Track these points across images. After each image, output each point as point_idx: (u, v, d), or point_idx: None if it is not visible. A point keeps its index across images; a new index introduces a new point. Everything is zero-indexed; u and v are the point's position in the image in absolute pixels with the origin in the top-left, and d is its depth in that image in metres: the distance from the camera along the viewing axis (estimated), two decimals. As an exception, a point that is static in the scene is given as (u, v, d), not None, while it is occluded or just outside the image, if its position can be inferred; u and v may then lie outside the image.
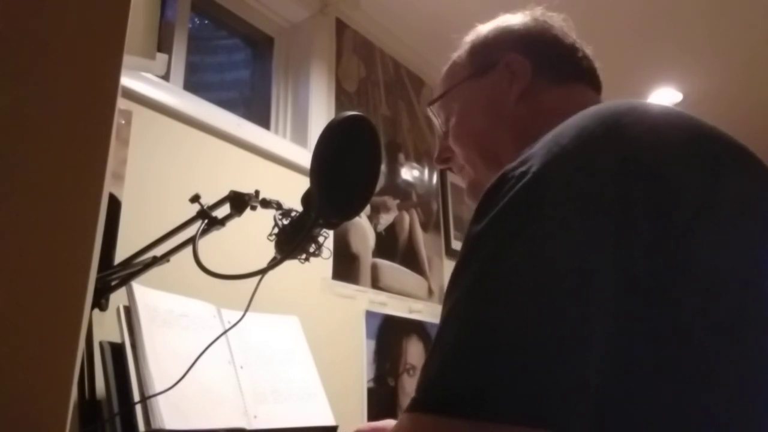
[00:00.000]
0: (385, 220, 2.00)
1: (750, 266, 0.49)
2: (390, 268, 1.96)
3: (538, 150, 0.50)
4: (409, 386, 1.87)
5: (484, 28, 0.82)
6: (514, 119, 0.74)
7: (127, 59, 0.71)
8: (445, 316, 0.46)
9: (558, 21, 0.80)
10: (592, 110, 0.54)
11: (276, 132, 1.83)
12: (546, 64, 0.75)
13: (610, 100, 0.58)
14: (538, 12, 0.81)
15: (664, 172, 0.47)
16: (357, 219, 1.80)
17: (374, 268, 1.89)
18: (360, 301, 1.79)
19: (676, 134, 0.52)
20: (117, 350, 0.92)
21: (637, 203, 0.45)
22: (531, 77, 0.74)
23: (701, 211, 0.47)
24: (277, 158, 1.63)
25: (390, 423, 0.93)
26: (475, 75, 0.79)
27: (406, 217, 2.11)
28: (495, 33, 0.81)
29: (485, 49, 0.80)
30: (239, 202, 0.84)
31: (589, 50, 0.79)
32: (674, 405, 0.44)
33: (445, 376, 0.43)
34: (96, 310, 0.95)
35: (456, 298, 0.46)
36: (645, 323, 0.44)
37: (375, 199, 1.95)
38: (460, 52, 0.83)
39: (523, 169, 0.48)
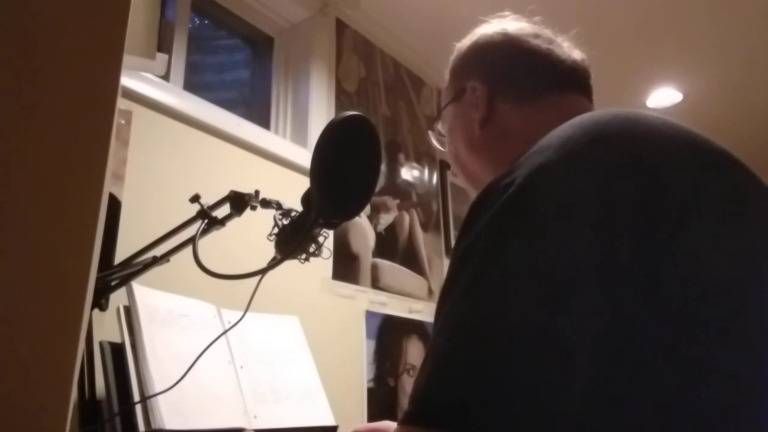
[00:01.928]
0: (385, 220, 2.00)
1: (741, 265, 0.49)
2: (390, 268, 1.96)
3: (523, 161, 0.50)
4: (409, 386, 1.87)
5: (461, 47, 0.83)
6: (482, 145, 0.76)
7: (127, 59, 0.71)
8: (437, 329, 0.46)
9: (527, 28, 0.78)
10: (576, 120, 0.54)
11: (276, 132, 1.83)
12: (506, 85, 0.75)
13: (595, 111, 0.58)
14: (509, 20, 0.80)
15: (650, 176, 0.47)
16: (357, 219, 1.80)
17: (374, 268, 1.89)
18: (360, 301, 1.79)
19: (662, 138, 0.52)
20: (117, 350, 0.92)
21: (623, 208, 0.45)
22: (490, 102, 0.75)
23: (690, 213, 0.47)
24: (277, 158, 1.63)
25: (387, 424, 0.92)
26: (454, 100, 0.81)
27: (406, 217, 2.11)
28: (465, 54, 0.81)
29: (457, 72, 0.82)
30: (239, 202, 0.84)
31: (567, 45, 0.77)
32: (669, 404, 0.44)
33: (432, 388, 0.43)
34: (96, 310, 0.95)
35: (446, 312, 0.46)
36: (637, 324, 0.44)
37: (375, 199, 1.95)
38: (447, 73, 0.84)
39: (507, 180, 0.48)
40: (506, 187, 0.48)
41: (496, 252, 0.45)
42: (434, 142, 0.90)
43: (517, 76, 0.75)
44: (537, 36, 0.76)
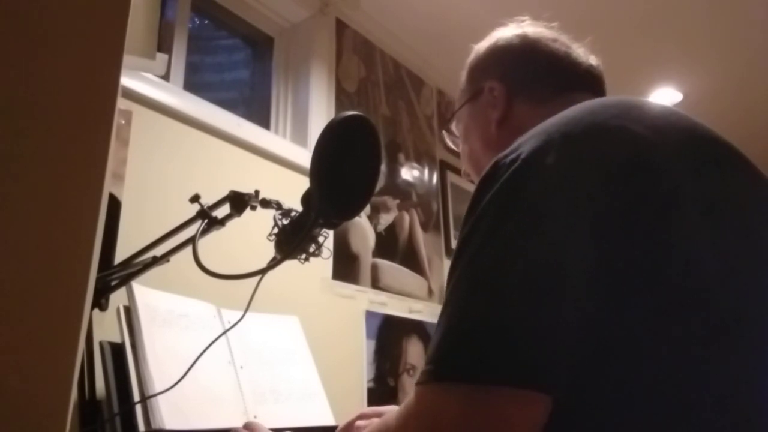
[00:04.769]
0: (385, 220, 2.00)
1: (739, 264, 0.49)
2: (390, 268, 1.96)
3: (528, 138, 0.52)
4: (409, 386, 1.87)
5: (478, 48, 0.84)
6: (498, 144, 0.76)
7: (127, 59, 0.71)
8: (445, 300, 0.50)
9: (546, 33, 0.80)
10: (584, 103, 0.56)
11: (276, 132, 1.83)
12: (524, 87, 0.76)
13: (605, 97, 0.60)
14: (527, 24, 0.82)
15: (650, 173, 0.48)
16: (357, 219, 1.80)
17: (374, 268, 1.89)
18: (360, 301, 1.79)
19: (670, 133, 0.53)
20: (117, 350, 0.92)
21: (621, 192, 0.47)
22: (509, 102, 0.76)
23: (693, 210, 0.48)
24: (277, 158, 1.63)
25: (395, 408, 0.92)
26: (470, 100, 0.82)
27: (406, 217, 2.10)
28: (483, 56, 0.83)
29: (475, 73, 0.83)
30: (239, 202, 0.84)
31: (582, 51, 0.78)
32: (666, 401, 0.44)
33: (442, 350, 0.46)
34: (96, 310, 0.95)
35: (453, 284, 0.49)
36: (629, 320, 0.45)
37: (375, 199, 1.95)
38: (463, 74, 0.86)
39: (513, 156, 0.51)
40: (512, 162, 0.50)
41: (498, 226, 0.48)
42: (448, 142, 0.91)
43: (535, 78, 0.77)
44: (555, 40, 0.79)
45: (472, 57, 0.85)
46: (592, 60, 0.78)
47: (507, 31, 0.82)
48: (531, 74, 0.77)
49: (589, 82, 0.77)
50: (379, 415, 0.91)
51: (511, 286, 0.45)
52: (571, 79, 0.76)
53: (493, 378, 0.43)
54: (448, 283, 0.50)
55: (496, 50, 0.81)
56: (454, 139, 0.90)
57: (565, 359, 0.43)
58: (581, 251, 0.45)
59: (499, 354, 0.43)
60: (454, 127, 0.89)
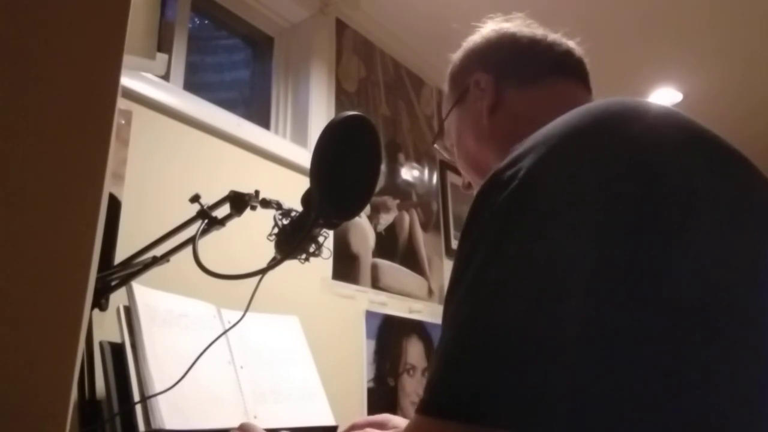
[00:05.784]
0: (385, 220, 2.00)
1: (742, 267, 0.49)
2: (390, 268, 1.96)
3: (527, 150, 0.50)
4: (409, 386, 1.87)
5: (455, 56, 0.85)
6: (493, 132, 0.76)
7: (127, 59, 0.71)
8: (445, 325, 0.48)
9: (517, 22, 0.81)
10: (583, 109, 0.54)
11: (276, 132, 1.83)
12: (509, 71, 0.77)
13: (602, 99, 0.58)
14: (499, 21, 0.83)
15: (652, 176, 0.47)
16: (357, 219, 1.80)
17: (374, 268, 1.89)
18: (360, 301, 1.79)
19: (670, 133, 0.52)
20: (117, 350, 0.92)
21: (624, 209, 0.45)
22: (496, 88, 0.77)
23: (691, 215, 0.47)
24: (277, 158, 1.63)
25: (387, 417, 0.92)
26: (457, 103, 0.82)
27: (406, 217, 2.10)
28: (462, 58, 0.84)
29: (458, 76, 0.84)
30: (239, 202, 0.84)
31: (558, 36, 0.79)
32: (665, 405, 0.44)
33: (442, 381, 0.45)
34: (96, 310, 0.95)
35: (453, 309, 0.48)
36: (635, 326, 0.44)
37: (375, 199, 1.95)
38: (445, 86, 0.87)
39: (511, 172, 0.49)
40: (510, 179, 0.48)
41: (497, 252, 0.46)
42: (443, 153, 0.92)
43: (518, 61, 0.77)
44: (530, 28, 0.80)
45: (451, 66, 0.86)
46: (571, 43, 0.79)
47: (481, 31, 0.83)
48: (513, 59, 0.78)
49: (570, 63, 0.77)
50: (371, 425, 0.91)
51: (513, 321, 0.43)
52: (552, 60, 0.77)
53: (492, 419, 0.41)
54: (447, 305, 0.49)
55: (474, 48, 0.82)
56: (447, 150, 0.89)
57: (566, 397, 0.42)
58: (577, 291, 0.44)
59: (500, 394, 0.42)
60: (446, 141, 0.88)
